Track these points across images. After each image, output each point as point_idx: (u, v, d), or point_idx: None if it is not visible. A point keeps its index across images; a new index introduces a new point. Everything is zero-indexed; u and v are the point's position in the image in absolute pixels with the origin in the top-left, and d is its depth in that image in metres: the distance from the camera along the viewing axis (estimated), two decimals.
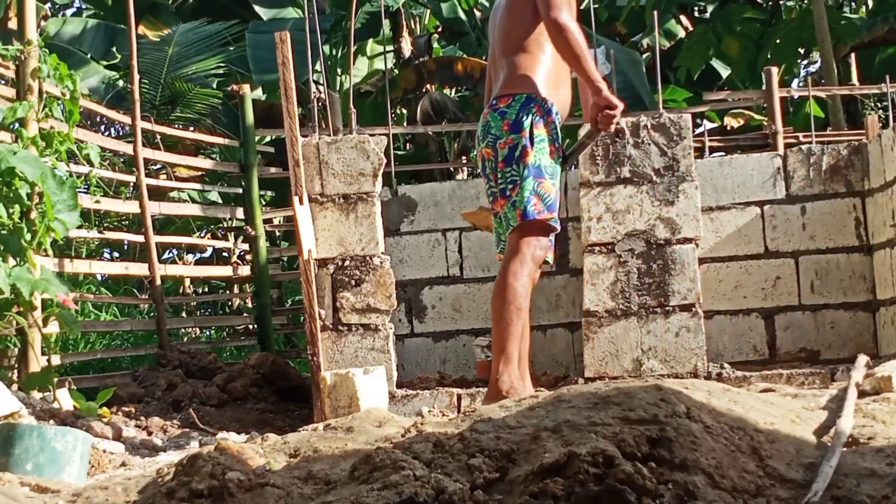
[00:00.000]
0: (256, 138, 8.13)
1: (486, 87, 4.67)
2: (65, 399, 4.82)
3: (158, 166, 9.16)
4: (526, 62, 4.34)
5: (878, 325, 6.48)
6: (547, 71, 4.34)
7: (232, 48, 11.97)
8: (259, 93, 12.57)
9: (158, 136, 7.77)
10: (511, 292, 4.12)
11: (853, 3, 16.10)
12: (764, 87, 7.72)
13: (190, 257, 12.72)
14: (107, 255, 11.69)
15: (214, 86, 11.58)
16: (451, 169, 12.71)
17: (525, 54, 4.35)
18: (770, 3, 15.34)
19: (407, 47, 13.90)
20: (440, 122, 12.15)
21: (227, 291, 9.46)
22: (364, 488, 2.03)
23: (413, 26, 15.62)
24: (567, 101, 4.47)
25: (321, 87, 9.10)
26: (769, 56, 12.93)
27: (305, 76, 8.39)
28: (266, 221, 7.76)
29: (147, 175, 6.88)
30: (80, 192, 5.49)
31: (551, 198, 4.26)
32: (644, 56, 13.78)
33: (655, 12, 7.41)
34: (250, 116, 7.54)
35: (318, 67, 10.01)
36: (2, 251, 4.82)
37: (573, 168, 5.97)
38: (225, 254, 10.98)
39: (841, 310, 6.58)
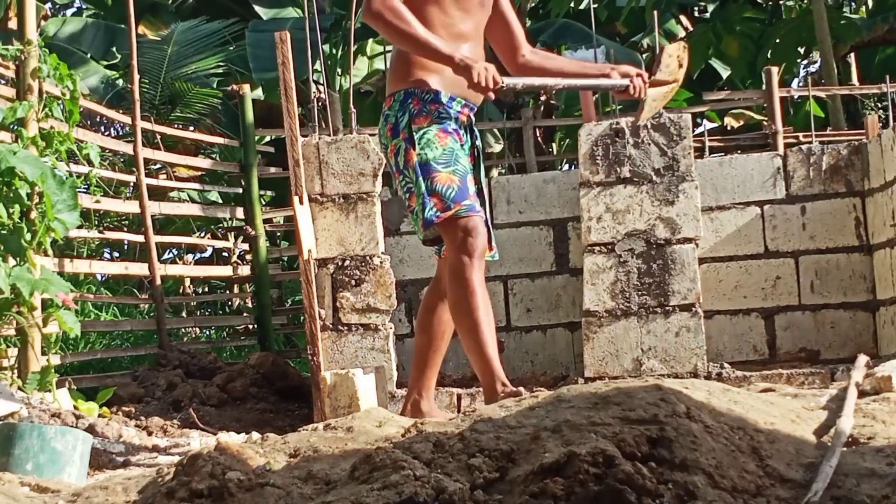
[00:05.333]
0: (256, 138, 8.12)
1: None
2: (65, 399, 4.82)
3: (158, 166, 9.16)
4: (401, 52, 3.84)
5: (878, 325, 6.48)
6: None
7: (231, 47, 11.96)
8: (259, 92, 12.55)
9: (158, 136, 7.77)
10: (459, 314, 3.65)
11: (853, 3, 16.09)
12: (764, 87, 7.73)
13: (190, 257, 12.70)
14: (107, 255, 11.68)
15: (214, 85, 11.57)
16: None
17: None
18: (770, 3, 15.33)
19: None
20: None
21: (227, 291, 9.46)
22: (364, 488, 2.03)
23: None
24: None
25: (321, 87, 9.10)
26: (769, 56, 12.92)
27: (305, 75, 8.39)
28: (266, 221, 7.75)
29: (147, 175, 6.88)
30: (80, 191, 5.48)
31: (454, 188, 3.70)
32: (644, 56, 13.77)
33: (655, 12, 7.43)
34: (250, 116, 7.54)
35: (318, 67, 10.01)
36: (2, 251, 4.82)
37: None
38: (225, 254, 10.97)
39: (841, 310, 6.58)
